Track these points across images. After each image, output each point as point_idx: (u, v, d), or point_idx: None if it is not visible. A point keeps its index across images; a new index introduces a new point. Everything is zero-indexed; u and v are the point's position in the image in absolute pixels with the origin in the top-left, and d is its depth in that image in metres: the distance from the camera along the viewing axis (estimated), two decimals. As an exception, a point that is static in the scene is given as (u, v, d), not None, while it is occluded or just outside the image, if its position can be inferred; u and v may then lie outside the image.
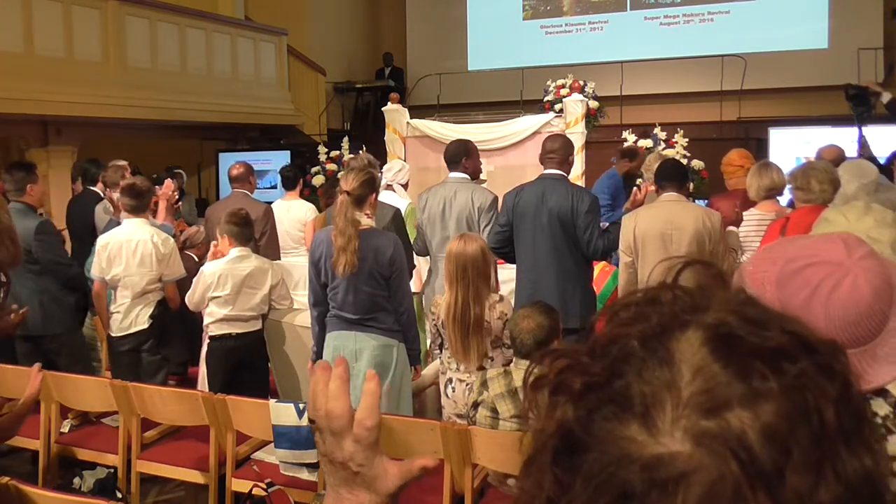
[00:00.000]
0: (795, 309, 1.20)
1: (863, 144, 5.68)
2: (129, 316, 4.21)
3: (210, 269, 3.98)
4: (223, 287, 3.93)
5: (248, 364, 4.04)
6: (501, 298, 3.42)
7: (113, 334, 4.26)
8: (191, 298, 4.02)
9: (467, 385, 3.25)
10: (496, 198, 4.28)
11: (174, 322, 4.37)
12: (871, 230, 1.70)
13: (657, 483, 0.42)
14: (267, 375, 4.28)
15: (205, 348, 4.08)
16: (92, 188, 5.50)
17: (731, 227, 4.04)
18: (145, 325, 4.22)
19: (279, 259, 5.24)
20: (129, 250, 4.15)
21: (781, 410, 0.43)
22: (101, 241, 4.22)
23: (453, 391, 3.34)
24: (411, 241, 4.54)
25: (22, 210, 4.49)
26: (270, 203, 5.58)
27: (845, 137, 5.97)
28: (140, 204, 4.23)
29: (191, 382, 4.45)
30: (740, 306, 0.48)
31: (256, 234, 5.08)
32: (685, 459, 0.42)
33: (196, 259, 4.96)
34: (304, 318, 3.97)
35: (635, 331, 0.48)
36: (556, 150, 4.00)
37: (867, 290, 1.18)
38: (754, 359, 0.44)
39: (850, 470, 0.43)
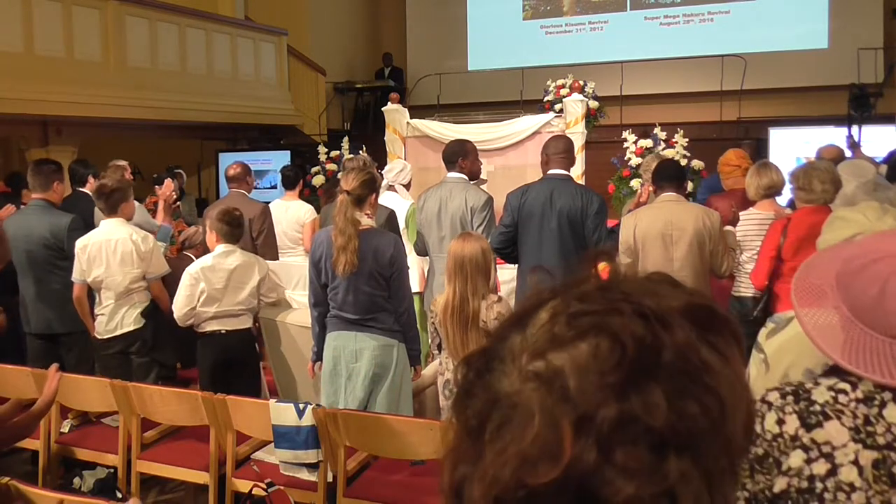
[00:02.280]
0: (866, 306, 1.21)
1: (852, 145, 5.72)
2: (114, 318, 4.14)
3: (194, 268, 3.92)
4: (209, 282, 3.88)
5: (239, 362, 4.02)
6: (500, 299, 3.42)
7: (99, 337, 4.19)
8: (176, 304, 3.90)
9: (467, 385, 3.24)
10: (490, 198, 4.28)
11: (164, 325, 4.30)
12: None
13: (505, 415, 0.56)
14: (258, 373, 4.24)
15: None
16: (81, 189, 5.38)
17: (728, 227, 4.05)
18: (132, 327, 4.15)
19: (277, 259, 5.23)
20: (108, 250, 4.07)
21: (591, 350, 0.54)
22: (80, 243, 4.12)
23: (452, 392, 3.34)
24: (412, 241, 4.55)
25: (45, 207, 4.45)
26: (269, 203, 5.57)
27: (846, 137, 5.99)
28: (112, 203, 4.13)
29: (180, 385, 4.43)
30: (583, 292, 0.59)
31: (254, 233, 5.08)
32: (518, 394, 0.55)
33: (194, 259, 4.95)
34: (303, 318, 3.97)
35: (518, 310, 0.62)
36: (565, 151, 4.03)
37: None
38: (578, 317, 0.56)
39: (638, 403, 0.53)
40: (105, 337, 4.18)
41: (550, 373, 0.54)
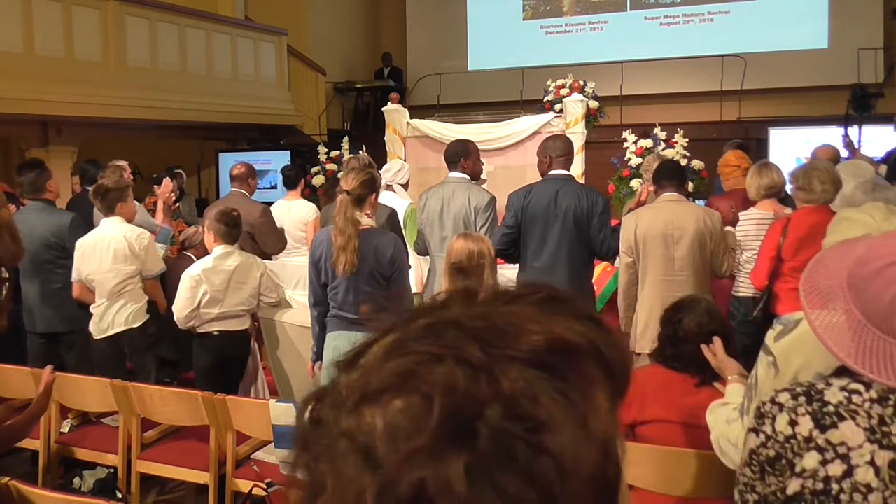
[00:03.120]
0: (880, 310, 1.21)
1: (848, 144, 5.73)
2: (105, 318, 4.12)
3: (195, 270, 3.92)
4: (212, 283, 3.87)
5: (236, 362, 4.01)
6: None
7: (94, 337, 4.18)
8: (177, 306, 3.90)
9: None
10: (493, 198, 4.27)
11: (162, 325, 4.30)
12: None
13: (319, 480, 0.50)
14: (242, 373, 4.22)
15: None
16: (90, 188, 5.42)
17: (728, 227, 4.06)
18: (123, 327, 4.13)
19: (283, 250, 5.25)
20: (101, 248, 4.07)
21: (403, 407, 0.47)
22: (78, 242, 4.15)
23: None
24: (412, 241, 4.55)
25: (44, 207, 4.46)
26: (269, 203, 5.57)
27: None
28: (109, 202, 4.14)
29: (181, 385, 4.43)
30: (415, 330, 0.52)
31: (254, 234, 5.08)
32: (332, 456, 0.49)
33: (195, 260, 4.95)
34: (302, 318, 3.97)
35: (360, 343, 0.55)
36: (567, 151, 4.04)
37: None
38: (399, 363, 0.49)
39: (436, 475, 0.45)
40: (98, 337, 4.17)
41: (362, 432, 0.48)
